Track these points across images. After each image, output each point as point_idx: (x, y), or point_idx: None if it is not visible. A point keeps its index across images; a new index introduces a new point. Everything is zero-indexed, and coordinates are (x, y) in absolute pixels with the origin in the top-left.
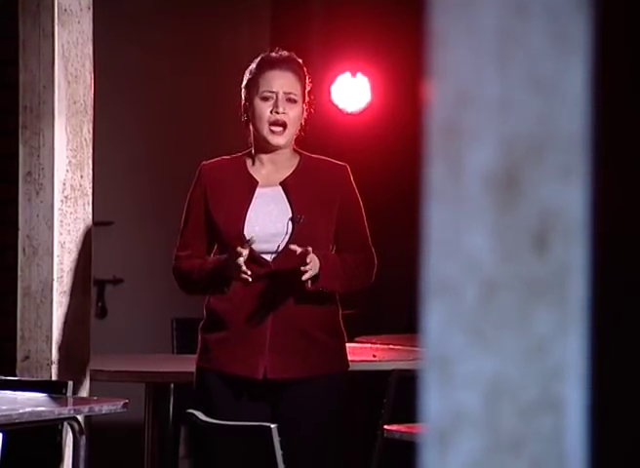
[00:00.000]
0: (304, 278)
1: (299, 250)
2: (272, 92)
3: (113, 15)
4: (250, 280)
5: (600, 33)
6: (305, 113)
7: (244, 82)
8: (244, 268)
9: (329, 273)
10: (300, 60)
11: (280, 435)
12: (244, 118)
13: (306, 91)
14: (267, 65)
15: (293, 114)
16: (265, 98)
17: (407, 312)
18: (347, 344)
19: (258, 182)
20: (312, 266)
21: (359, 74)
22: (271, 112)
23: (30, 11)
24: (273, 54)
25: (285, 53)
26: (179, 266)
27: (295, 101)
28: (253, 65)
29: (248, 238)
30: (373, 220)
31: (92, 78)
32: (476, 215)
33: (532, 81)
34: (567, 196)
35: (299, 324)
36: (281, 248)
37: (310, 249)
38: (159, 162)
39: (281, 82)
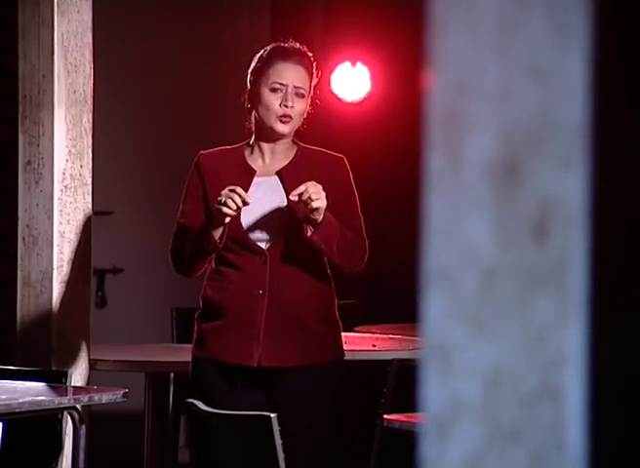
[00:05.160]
0: (315, 206)
1: (296, 192)
2: (283, 84)
3: (113, 4)
4: (231, 212)
5: (599, 22)
6: (309, 107)
7: (251, 68)
8: (230, 203)
9: (329, 228)
10: (311, 55)
11: (278, 423)
12: (247, 105)
13: (313, 85)
14: (280, 56)
15: (299, 108)
16: (274, 90)
17: (407, 301)
18: (347, 334)
19: (255, 172)
20: (316, 196)
21: (359, 63)
22: (280, 105)
23: (30, 0)
24: (286, 45)
25: (297, 45)
26: (174, 247)
27: (303, 96)
28: (263, 53)
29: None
30: (373, 210)
31: (91, 67)
32: (476, 204)
33: (531, 70)
34: (566, 185)
35: (293, 312)
36: (275, 236)
37: (310, 183)
38: (159, 152)
39: (292, 75)
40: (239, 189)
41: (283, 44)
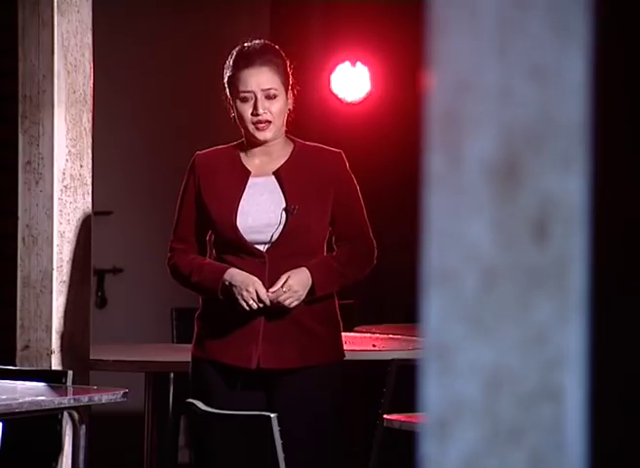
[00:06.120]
0: (291, 306)
1: (273, 289)
2: (249, 92)
3: (113, 4)
4: (247, 309)
5: (599, 22)
6: (291, 98)
7: (224, 79)
8: (250, 302)
9: (323, 281)
10: (277, 46)
11: (278, 424)
12: (232, 114)
13: (289, 76)
14: (242, 63)
15: (275, 109)
16: (244, 99)
17: (407, 301)
18: (347, 334)
19: (250, 172)
20: (288, 294)
21: (359, 63)
22: (252, 114)
23: (30, 0)
24: (247, 45)
25: (258, 43)
26: (175, 262)
27: (275, 96)
28: (229, 61)
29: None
30: (372, 210)
31: (91, 67)
32: (476, 205)
33: (532, 70)
34: (567, 185)
35: (293, 313)
36: (274, 238)
37: (282, 282)
38: (159, 151)
39: (257, 80)
40: (262, 293)
41: (244, 46)
